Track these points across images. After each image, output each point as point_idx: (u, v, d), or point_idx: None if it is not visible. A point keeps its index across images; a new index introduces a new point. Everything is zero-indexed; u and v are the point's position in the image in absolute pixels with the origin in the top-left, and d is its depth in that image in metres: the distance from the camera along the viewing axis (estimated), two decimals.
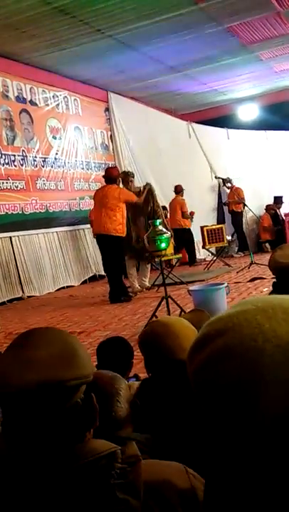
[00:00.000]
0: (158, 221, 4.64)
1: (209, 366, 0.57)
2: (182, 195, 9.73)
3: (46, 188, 8.54)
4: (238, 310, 0.59)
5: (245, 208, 9.10)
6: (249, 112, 12.55)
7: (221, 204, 11.54)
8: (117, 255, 6.48)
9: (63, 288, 8.39)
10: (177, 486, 0.94)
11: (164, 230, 4.62)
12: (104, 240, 6.53)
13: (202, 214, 10.61)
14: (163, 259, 4.79)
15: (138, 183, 9.62)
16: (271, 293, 2.36)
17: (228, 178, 10.71)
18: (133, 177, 7.06)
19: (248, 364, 0.54)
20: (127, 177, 6.95)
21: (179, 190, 9.70)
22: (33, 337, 0.93)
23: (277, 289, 2.29)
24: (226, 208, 11.13)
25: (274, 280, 2.37)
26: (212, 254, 9.17)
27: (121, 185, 6.75)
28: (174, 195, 9.74)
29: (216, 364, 0.57)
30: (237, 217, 10.60)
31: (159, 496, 0.92)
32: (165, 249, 4.50)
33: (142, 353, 1.76)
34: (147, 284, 7.00)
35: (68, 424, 0.88)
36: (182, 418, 1.56)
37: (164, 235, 4.46)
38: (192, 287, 4.83)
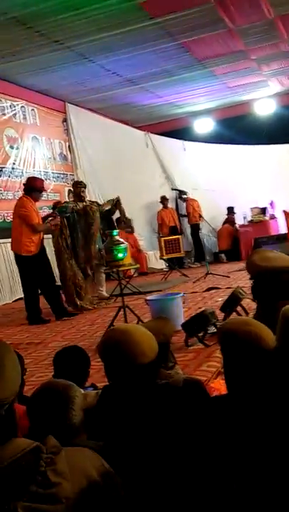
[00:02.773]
0: (115, 231, 4.69)
1: None
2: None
3: (3, 197, 8.43)
4: None
5: (202, 219, 9.28)
6: (205, 126, 12.84)
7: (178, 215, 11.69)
8: (22, 275, 5.91)
9: (21, 299, 8.25)
10: (96, 469, 1.12)
11: (121, 240, 4.68)
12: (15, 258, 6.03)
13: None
14: (120, 269, 4.84)
15: (96, 192, 9.69)
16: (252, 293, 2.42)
17: (184, 190, 10.93)
18: (84, 187, 6.63)
19: None
20: (77, 188, 6.56)
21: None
22: None
23: (255, 292, 2.35)
24: (183, 219, 11.31)
25: (252, 282, 2.40)
26: (170, 265, 9.29)
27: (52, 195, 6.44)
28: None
29: None
30: (195, 229, 10.87)
31: (86, 477, 1.07)
32: (122, 260, 4.55)
33: (103, 361, 1.76)
34: (104, 293, 6.98)
35: None
36: (140, 423, 1.58)
37: (121, 245, 4.51)
38: (149, 297, 4.91)
